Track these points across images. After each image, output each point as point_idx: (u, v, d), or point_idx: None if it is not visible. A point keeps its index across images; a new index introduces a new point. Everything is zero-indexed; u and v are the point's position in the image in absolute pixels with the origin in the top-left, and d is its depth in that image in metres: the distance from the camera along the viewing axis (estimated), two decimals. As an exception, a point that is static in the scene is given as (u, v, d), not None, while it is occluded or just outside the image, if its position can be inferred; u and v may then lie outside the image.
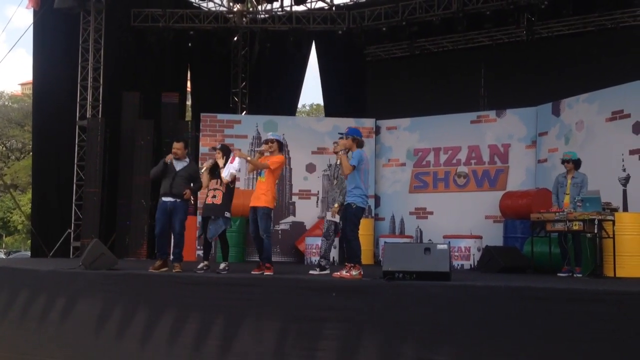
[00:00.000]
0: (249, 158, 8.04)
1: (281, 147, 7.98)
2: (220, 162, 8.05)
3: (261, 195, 7.71)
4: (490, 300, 5.66)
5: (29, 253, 18.50)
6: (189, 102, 18.86)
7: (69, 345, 7.36)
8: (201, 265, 7.97)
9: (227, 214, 7.93)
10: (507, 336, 5.40)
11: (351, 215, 7.30)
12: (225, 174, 7.93)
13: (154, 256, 13.23)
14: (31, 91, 15.96)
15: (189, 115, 18.02)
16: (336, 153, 7.70)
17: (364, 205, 7.39)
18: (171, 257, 8.22)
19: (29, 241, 19.59)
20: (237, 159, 7.96)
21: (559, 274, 8.57)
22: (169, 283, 7.37)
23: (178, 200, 8.08)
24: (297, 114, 21.79)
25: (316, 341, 6.03)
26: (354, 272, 7.04)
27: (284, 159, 8.21)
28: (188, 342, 6.63)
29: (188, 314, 6.81)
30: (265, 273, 7.54)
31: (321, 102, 21.04)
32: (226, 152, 8.17)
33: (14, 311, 8.08)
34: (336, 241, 9.87)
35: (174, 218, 8.09)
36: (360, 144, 7.45)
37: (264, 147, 7.97)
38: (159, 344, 6.78)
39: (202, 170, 8.19)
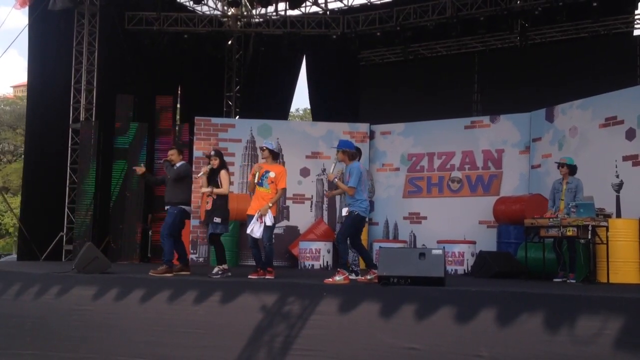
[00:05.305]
0: (271, 204, 7.65)
1: (275, 155, 7.96)
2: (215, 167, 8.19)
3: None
4: (484, 306, 5.66)
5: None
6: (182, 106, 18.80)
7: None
8: (215, 270, 8.00)
9: (217, 219, 8.01)
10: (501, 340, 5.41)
11: (350, 222, 7.32)
12: (254, 232, 7.67)
13: (147, 260, 13.31)
14: (23, 93, 15.87)
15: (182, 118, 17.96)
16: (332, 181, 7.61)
17: (365, 214, 7.44)
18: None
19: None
20: (260, 226, 7.62)
21: (554, 280, 8.58)
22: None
23: (168, 206, 8.42)
24: (290, 118, 21.77)
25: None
26: (337, 278, 7.04)
27: (284, 168, 8.02)
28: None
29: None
30: (267, 277, 7.63)
31: (315, 106, 20.94)
32: (221, 156, 8.32)
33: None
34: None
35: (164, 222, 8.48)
36: (352, 156, 7.37)
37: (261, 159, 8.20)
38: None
39: (200, 175, 8.22)
